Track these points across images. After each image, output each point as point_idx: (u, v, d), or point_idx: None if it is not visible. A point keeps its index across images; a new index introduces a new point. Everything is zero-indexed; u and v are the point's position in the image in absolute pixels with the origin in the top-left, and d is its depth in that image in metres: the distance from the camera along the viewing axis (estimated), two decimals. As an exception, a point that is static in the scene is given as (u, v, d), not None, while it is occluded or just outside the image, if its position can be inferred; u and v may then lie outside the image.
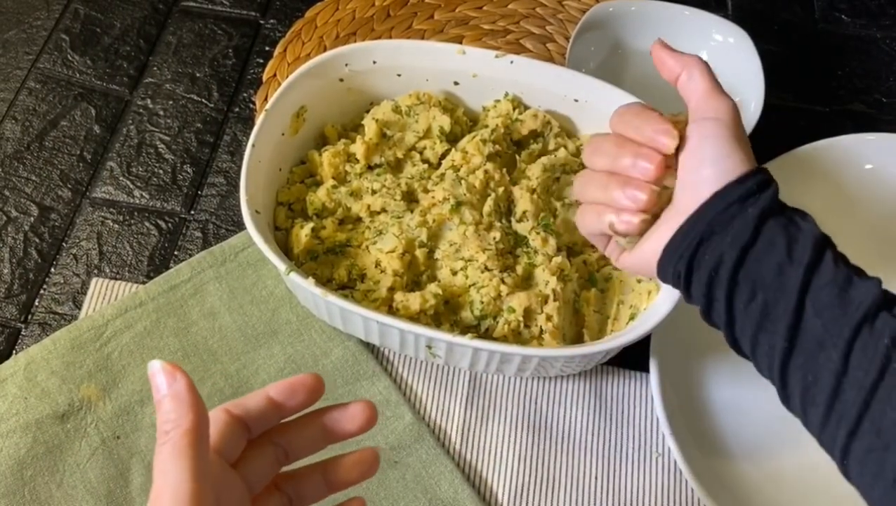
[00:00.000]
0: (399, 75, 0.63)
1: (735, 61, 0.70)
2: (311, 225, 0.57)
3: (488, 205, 0.58)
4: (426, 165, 0.62)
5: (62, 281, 0.64)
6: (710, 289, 0.40)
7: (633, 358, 0.59)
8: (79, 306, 0.63)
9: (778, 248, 0.38)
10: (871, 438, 0.35)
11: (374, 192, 0.59)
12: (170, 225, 0.67)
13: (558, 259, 0.56)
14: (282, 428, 0.36)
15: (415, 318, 0.53)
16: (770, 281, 0.38)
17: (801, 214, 0.40)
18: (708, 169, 0.40)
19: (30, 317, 0.63)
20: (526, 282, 0.56)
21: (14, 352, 0.61)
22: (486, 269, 0.55)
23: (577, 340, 0.56)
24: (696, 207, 0.40)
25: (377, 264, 0.56)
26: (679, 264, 0.41)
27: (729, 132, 0.40)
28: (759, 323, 0.39)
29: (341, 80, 0.62)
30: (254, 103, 0.74)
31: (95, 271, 0.65)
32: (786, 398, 0.39)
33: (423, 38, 0.78)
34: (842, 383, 0.36)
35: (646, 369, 0.58)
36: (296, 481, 0.37)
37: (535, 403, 0.59)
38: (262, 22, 0.80)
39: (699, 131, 0.41)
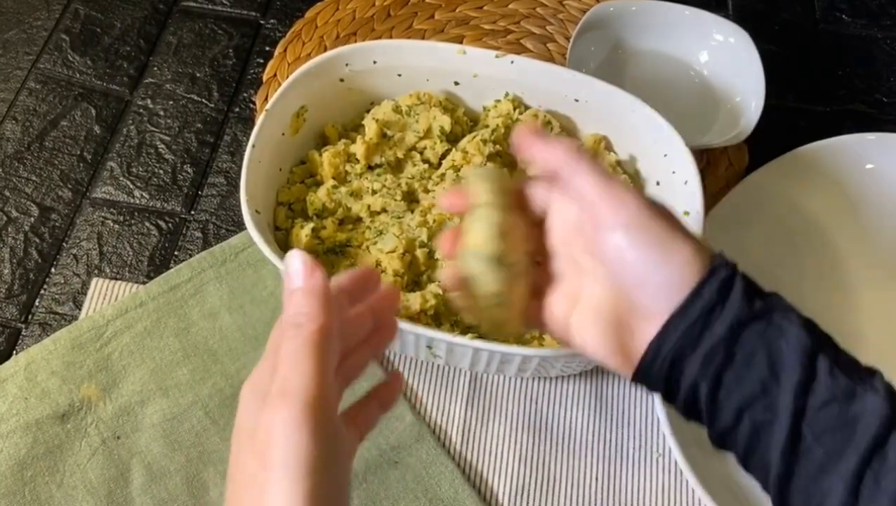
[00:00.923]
0: (399, 75, 0.63)
1: (735, 61, 0.70)
2: (311, 225, 0.57)
3: (489, 205, 0.58)
4: (426, 165, 0.62)
5: (62, 281, 0.64)
6: (691, 413, 0.36)
7: (633, 358, 0.58)
8: (79, 307, 0.63)
9: (759, 363, 0.33)
10: None
11: (374, 192, 0.59)
12: (170, 225, 0.67)
13: (559, 259, 0.56)
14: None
15: (415, 318, 0.53)
16: (755, 402, 0.33)
17: (782, 310, 0.34)
18: (650, 285, 0.35)
19: (30, 317, 0.63)
20: (526, 282, 0.56)
21: (14, 352, 0.61)
22: (487, 269, 0.55)
23: (578, 340, 0.56)
24: (657, 327, 0.35)
25: (378, 264, 0.56)
26: (656, 386, 0.36)
27: (651, 235, 0.34)
28: (748, 446, 0.34)
29: (342, 80, 0.62)
30: (254, 103, 0.74)
31: (96, 272, 0.65)
32: None
33: (423, 37, 0.78)
34: None
35: (646, 370, 0.58)
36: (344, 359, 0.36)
37: (536, 403, 0.59)
38: (262, 22, 0.80)
39: (615, 244, 0.35)
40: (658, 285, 0.34)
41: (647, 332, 0.35)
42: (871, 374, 0.34)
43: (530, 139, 0.38)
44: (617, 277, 0.36)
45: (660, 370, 0.35)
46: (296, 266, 0.32)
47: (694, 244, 0.35)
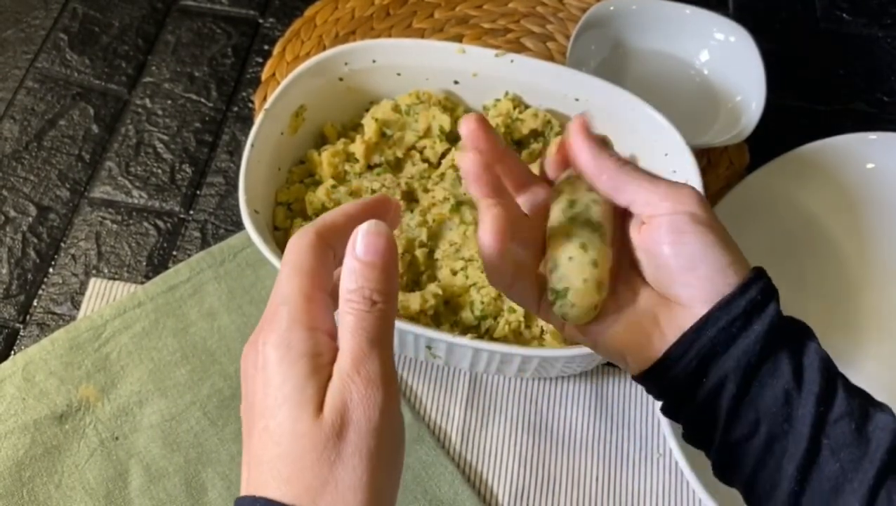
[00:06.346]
0: (399, 74, 0.63)
1: (736, 60, 0.70)
2: (310, 225, 0.56)
3: (488, 204, 0.58)
4: (426, 165, 0.62)
5: (60, 281, 0.64)
6: (704, 414, 0.35)
7: (634, 358, 0.58)
8: (77, 307, 0.62)
9: (784, 373, 0.33)
10: None
11: (373, 191, 0.59)
12: (168, 225, 0.67)
13: (559, 259, 0.56)
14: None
15: (415, 318, 0.53)
16: (776, 410, 0.33)
17: (803, 329, 0.35)
18: (702, 268, 0.34)
19: (28, 317, 0.62)
20: (526, 282, 0.56)
21: (12, 353, 0.60)
22: (487, 269, 0.55)
23: (578, 340, 0.55)
24: (693, 319, 0.34)
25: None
26: (667, 385, 0.35)
27: (710, 226, 0.34)
28: (759, 459, 0.34)
29: (341, 79, 0.62)
30: (253, 103, 0.74)
31: (94, 272, 0.64)
32: None
33: (422, 36, 0.77)
34: None
35: (647, 370, 0.58)
36: None
37: (536, 404, 0.59)
38: (261, 21, 0.80)
39: (674, 227, 0.34)
40: (704, 277, 0.34)
41: (680, 321, 0.34)
42: (880, 403, 0.34)
43: (582, 152, 0.36)
44: (661, 263, 0.35)
45: (684, 369, 0.34)
46: (370, 237, 0.32)
47: (739, 252, 0.35)
